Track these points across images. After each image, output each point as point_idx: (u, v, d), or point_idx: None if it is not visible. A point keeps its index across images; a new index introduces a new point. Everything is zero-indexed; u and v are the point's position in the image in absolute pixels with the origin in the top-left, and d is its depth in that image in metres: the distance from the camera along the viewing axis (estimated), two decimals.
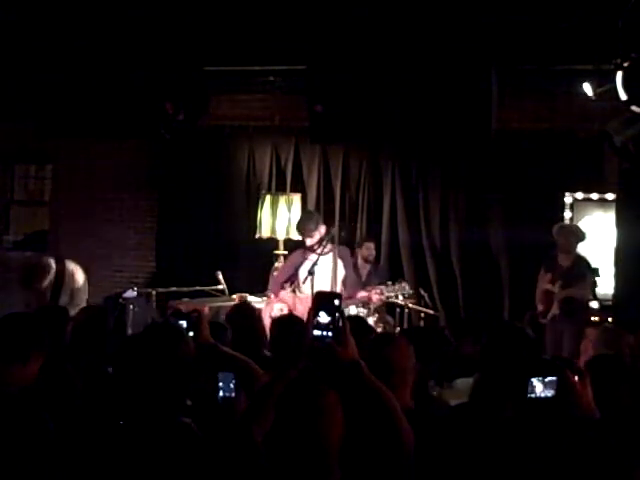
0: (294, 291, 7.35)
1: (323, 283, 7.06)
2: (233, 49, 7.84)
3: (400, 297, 7.50)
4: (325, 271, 7.22)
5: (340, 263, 7.33)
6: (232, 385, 3.14)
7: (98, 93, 8.20)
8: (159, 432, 2.87)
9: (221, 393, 3.13)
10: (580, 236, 7.88)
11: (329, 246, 7.33)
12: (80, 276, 7.31)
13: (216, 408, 3.12)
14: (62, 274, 7.17)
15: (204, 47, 7.86)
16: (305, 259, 7.37)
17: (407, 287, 7.30)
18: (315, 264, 6.88)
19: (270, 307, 7.28)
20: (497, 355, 4.18)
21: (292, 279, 7.39)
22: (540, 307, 7.83)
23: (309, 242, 7.42)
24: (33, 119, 9.05)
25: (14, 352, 3.31)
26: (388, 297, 7.28)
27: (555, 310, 7.65)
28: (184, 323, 3.86)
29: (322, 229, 7.47)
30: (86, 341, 4.79)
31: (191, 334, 3.89)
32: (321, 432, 2.61)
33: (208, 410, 3.11)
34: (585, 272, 7.78)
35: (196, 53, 7.96)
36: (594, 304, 8.19)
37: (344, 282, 7.32)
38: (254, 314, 5.44)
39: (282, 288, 7.41)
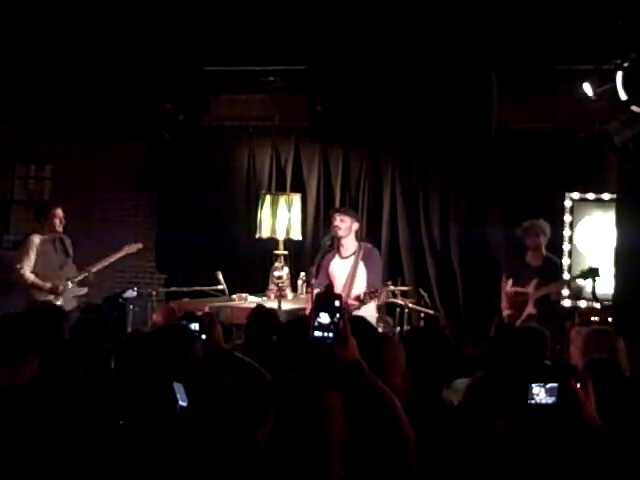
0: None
1: (337, 286, 7.02)
2: (233, 49, 7.84)
3: (376, 301, 7.34)
4: (342, 274, 7.20)
5: (362, 266, 7.25)
6: (184, 394, 3.09)
7: (98, 93, 8.21)
8: (161, 431, 2.88)
9: (180, 402, 3.07)
10: (548, 232, 7.77)
11: (353, 248, 7.29)
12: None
13: (175, 418, 3.08)
14: None
15: (204, 47, 7.87)
16: (330, 262, 7.31)
17: (387, 288, 7.15)
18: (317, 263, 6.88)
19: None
20: (499, 359, 4.16)
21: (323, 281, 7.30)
22: (508, 312, 7.63)
23: (336, 222, 7.26)
24: (33, 119, 9.06)
25: (10, 354, 3.31)
26: (364, 302, 7.13)
27: (531, 310, 7.46)
28: (196, 326, 3.84)
29: (355, 224, 7.37)
30: (85, 339, 4.80)
31: (203, 337, 3.87)
32: (323, 432, 2.61)
33: (167, 420, 3.07)
34: (557, 273, 7.74)
35: (196, 53, 7.97)
36: (582, 303, 8.19)
37: (368, 284, 7.21)
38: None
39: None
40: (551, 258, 7.76)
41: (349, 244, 7.28)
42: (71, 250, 7.88)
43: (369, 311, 7.11)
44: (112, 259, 8.01)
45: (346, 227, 7.24)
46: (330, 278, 7.19)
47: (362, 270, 7.17)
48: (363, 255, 7.23)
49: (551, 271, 7.65)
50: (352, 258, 7.21)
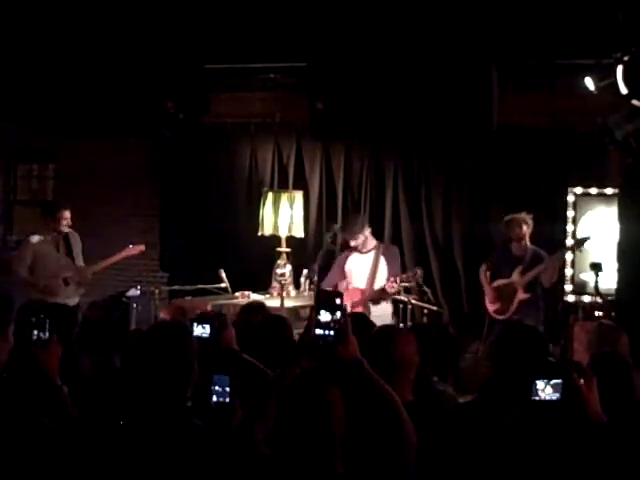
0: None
1: (360, 281, 7.14)
2: (233, 47, 7.84)
3: (415, 283, 7.47)
4: (364, 269, 7.29)
5: (383, 261, 7.36)
6: (227, 389, 2.98)
7: (99, 92, 8.21)
8: (164, 430, 2.89)
9: (215, 398, 2.98)
10: (531, 223, 7.84)
11: (372, 244, 7.41)
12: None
13: (210, 413, 3.02)
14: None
15: (204, 45, 7.86)
16: (348, 258, 7.46)
17: (419, 272, 7.28)
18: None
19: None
20: (504, 355, 4.16)
21: (340, 279, 7.44)
22: (494, 306, 7.78)
23: (352, 243, 7.49)
24: (35, 118, 9.06)
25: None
26: (402, 284, 7.26)
27: (522, 295, 7.61)
28: (207, 327, 3.82)
29: (367, 231, 7.53)
30: (93, 336, 4.79)
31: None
32: (323, 428, 2.62)
33: (202, 415, 3.03)
34: (538, 259, 7.74)
35: (196, 51, 7.96)
36: (585, 298, 8.20)
37: (389, 278, 7.31)
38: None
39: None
40: (535, 249, 7.81)
41: (368, 243, 7.45)
42: (78, 248, 7.94)
43: (385, 307, 7.25)
44: (112, 261, 8.06)
45: (363, 241, 7.41)
46: (347, 274, 7.32)
47: (383, 264, 7.30)
48: (384, 250, 7.38)
49: (535, 259, 7.72)
50: (372, 253, 7.34)
